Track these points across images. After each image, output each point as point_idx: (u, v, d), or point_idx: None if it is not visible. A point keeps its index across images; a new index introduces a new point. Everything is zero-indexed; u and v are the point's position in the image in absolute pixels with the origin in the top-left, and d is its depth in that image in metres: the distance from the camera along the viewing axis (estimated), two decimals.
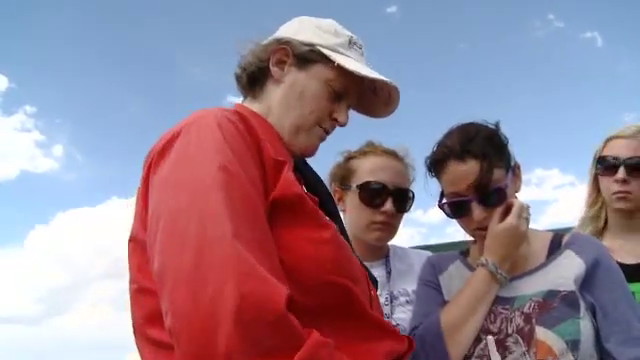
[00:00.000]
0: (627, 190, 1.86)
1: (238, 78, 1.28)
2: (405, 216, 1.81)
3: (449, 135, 1.44)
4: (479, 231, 1.40)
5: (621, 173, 1.86)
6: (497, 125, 1.44)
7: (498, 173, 1.36)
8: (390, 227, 1.76)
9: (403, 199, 1.76)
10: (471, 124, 1.45)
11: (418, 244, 4.17)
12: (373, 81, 1.24)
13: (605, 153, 1.95)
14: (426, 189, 1.51)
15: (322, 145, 1.25)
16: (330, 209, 1.20)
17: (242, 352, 0.71)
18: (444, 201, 1.46)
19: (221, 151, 0.88)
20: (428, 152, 1.47)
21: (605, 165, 1.93)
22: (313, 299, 0.92)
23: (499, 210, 1.37)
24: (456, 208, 1.42)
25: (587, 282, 1.31)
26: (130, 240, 1.02)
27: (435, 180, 1.48)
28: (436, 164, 1.44)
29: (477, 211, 1.36)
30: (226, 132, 0.92)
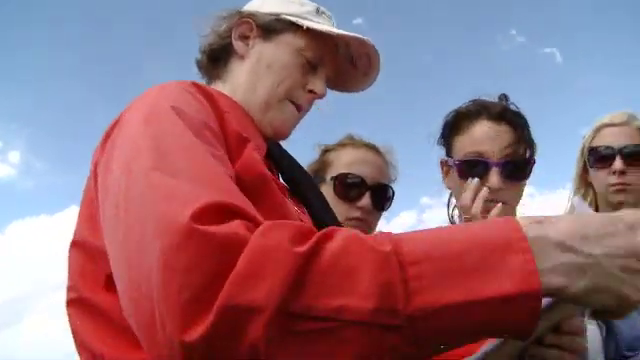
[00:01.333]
0: (625, 182, 1.71)
1: (198, 62, 1.15)
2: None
3: (485, 99, 1.34)
4: (486, 204, 1.24)
5: (618, 163, 1.70)
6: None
7: (527, 150, 1.29)
8: (366, 225, 1.60)
9: (382, 195, 1.61)
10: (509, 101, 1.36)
11: None
12: (349, 49, 1.12)
13: (596, 143, 1.79)
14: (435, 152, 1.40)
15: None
16: (314, 202, 1.07)
17: (177, 303, 0.52)
18: (460, 158, 1.32)
19: (179, 129, 0.73)
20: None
21: (598, 156, 1.77)
22: None
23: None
24: (471, 169, 1.28)
25: None
26: (72, 244, 0.86)
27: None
28: (463, 119, 1.32)
29: (496, 178, 1.24)
30: (180, 102, 0.78)
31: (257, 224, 0.57)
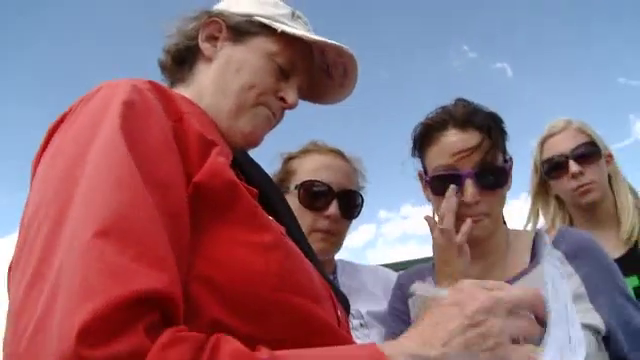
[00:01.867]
0: (586, 182, 1.73)
1: (161, 63, 1.05)
2: None
3: (449, 105, 1.25)
4: (465, 219, 1.17)
5: (573, 166, 1.73)
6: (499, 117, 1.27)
7: (499, 154, 1.19)
8: (335, 236, 1.49)
9: (351, 203, 1.50)
10: (471, 103, 1.26)
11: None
12: (325, 58, 1.04)
13: (547, 155, 1.82)
14: (413, 167, 1.32)
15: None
16: (282, 211, 0.97)
17: None
18: (431, 174, 1.23)
19: (114, 140, 0.65)
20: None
21: (552, 166, 1.80)
22: (260, 328, 0.66)
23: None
24: (444, 184, 1.19)
25: (587, 297, 1.11)
26: (10, 267, 0.75)
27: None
28: (429, 131, 1.23)
29: (470, 190, 1.15)
30: (129, 111, 0.69)
31: (174, 307, 0.55)
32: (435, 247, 1.22)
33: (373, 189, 1.29)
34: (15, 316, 0.55)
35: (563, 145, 1.77)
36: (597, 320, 1.06)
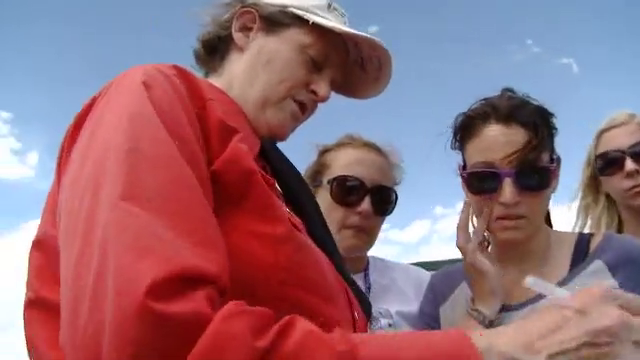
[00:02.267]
0: None
1: (196, 53, 1.05)
2: (381, 234, 1.52)
3: (494, 97, 1.17)
4: (500, 221, 1.12)
5: (630, 164, 1.60)
6: (549, 110, 1.18)
7: (544, 154, 1.10)
8: (366, 233, 1.46)
9: (384, 199, 1.46)
10: (518, 94, 1.18)
11: None
12: (360, 51, 1.01)
13: (602, 149, 1.69)
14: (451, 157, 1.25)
15: None
16: (308, 210, 0.95)
17: None
18: (468, 170, 1.17)
19: (146, 118, 0.66)
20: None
21: (606, 162, 1.67)
22: None
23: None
24: (482, 182, 1.13)
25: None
26: (33, 244, 0.79)
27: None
28: (470, 124, 1.16)
29: (508, 191, 1.08)
30: (153, 94, 0.69)
31: (223, 291, 0.56)
32: (469, 273, 1.19)
33: (429, 185, 1.25)
34: (71, 282, 0.56)
35: (621, 140, 1.64)
36: None
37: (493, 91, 1.20)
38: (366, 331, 0.91)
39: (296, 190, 0.96)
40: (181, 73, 0.77)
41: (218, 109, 0.75)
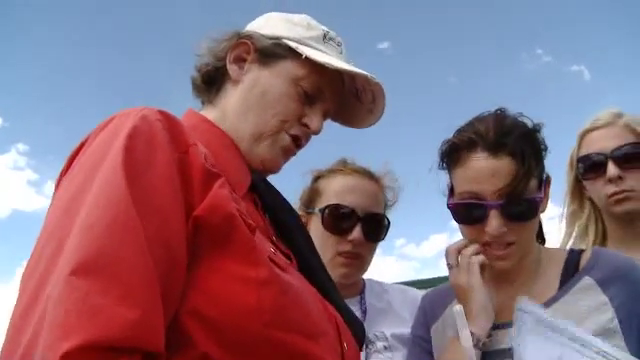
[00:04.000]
0: (625, 188, 1.49)
1: (193, 82, 1.07)
2: (397, 250, 1.55)
3: (480, 120, 1.15)
4: (489, 249, 1.13)
5: (612, 169, 1.49)
6: (538, 126, 1.17)
7: (531, 183, 1.09)
8: (358, 260, 1.49)
9: (375, 226, 1.50)
10: (507, 115, 1.16)
11: (411, 279, 3.91)
12: (355, 83, 1.03)
13: (584, 151, 1.58)
14: (438, 183, 1.26)
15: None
16: (299, 243, 0.97)
17: None
18: (454, 200, 1.17)
19: (115, 172, 0.67)
20: (417, 191, 1.25)
21: (589, 165, 1.56)
22: None
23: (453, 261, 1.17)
24: (469, 212, 1.14)
25: (620, 332, 1.02)
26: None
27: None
28: (456, 151, 1.15)
29: (495, 222, 1.09)
30: (133, 149, 0.70)
31: (154, 355, 0.58)
32: (457, 289, 1.18)
33: (444, 199, 1.25)
34: (8, 342, 0.60)
35: (604, 143, 1.52)
36: None
37: (507, 102, 1.19)
38: (357, 358, 0.93)
39: (286, 223, 0.98)
40: (166, 119, 0.77)
41: (200, 154, 0.77)
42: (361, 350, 1.00)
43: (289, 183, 1.57)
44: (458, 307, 0.88)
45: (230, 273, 0.70)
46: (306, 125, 0.99)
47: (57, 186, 0.77)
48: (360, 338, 0.98)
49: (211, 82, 1.04)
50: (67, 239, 0.62)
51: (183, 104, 1.07)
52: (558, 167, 1.67)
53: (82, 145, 0.77)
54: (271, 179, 1.06)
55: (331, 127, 1.12)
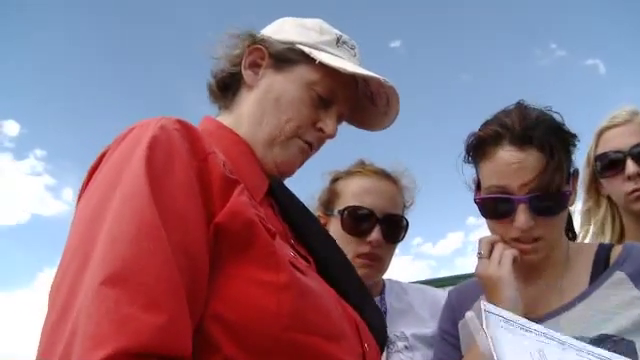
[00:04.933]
0: None
1: (209, 88, 1.08)
2: (414, 249, 1.56)
3: (506, 113, 1.14)
4: (517, 243, 1.12)
5: (631, 167, 1.50)
6: (562, 122, 1.15)
7: (559, 176, 1.07)
8: (378, 261, 1.49)
9: (394, 227, 1.50)
10: (533, 108, 1.14)
11: (428, 278, 3.90)
12: (369, 86, 1.04)
13: (602, 149, 1.58)
14: (463, 176, 1.24)
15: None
16: (318, 245, 0.98)
17: None
18: (482, 195, 1.16)
19: (137, 182, 0.68)
20: (434, 189, 1.24)
21: (607, 162, 1.56)
22: None
23: (485, 252, 1.13)
24: (496, 207, 1.13)
25: None
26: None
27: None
28: (482, 145, 1.14)
29: (523, 217, 1.08)
30: (154, 159, 0.71)
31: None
32: (479, 277, 1.17)
33: (460, 196, 1.24)
34: (42, 353, 0.62)
35: (622, 140, 1.54)
36: None
37: (521, 98, 1.17)
38: (378, 359, 0.93)
39: (304, 226, 0.99)
40: (184, 128, 0.78)
41: (218, 164, 0.78)
42: (383, 350, 1.01)
43: (307, 185, 1.60)
44: (470, 313, 0.89)
45: (251, 278, 0.72)
46: (321, 129, 1.00)
47: (79, 198, 0.78)
48: (382, 338, 0.98)
49: (227, 88, 1.05)
50: (93, 252, 0.63)
51: (198, 109, 1.09)
52: (575, 162, 1.67)
53: (102, 156, 0.79)
54: (290, 181, 1.07)
55: (345, 127, 1.13)
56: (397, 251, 1.57)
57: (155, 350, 0.58)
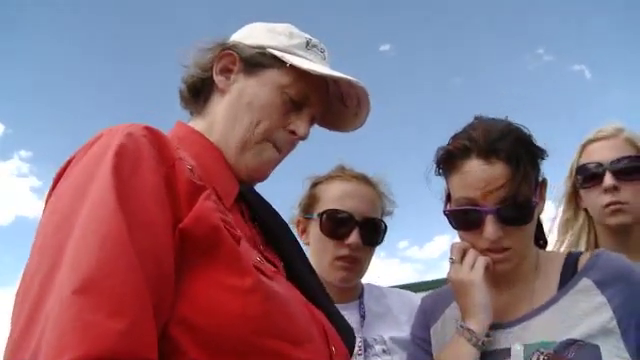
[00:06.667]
0: (620, 200, 1.52)
1: (181, 94, 1.08)
2: (400, 253, 1.57)
3: (473, 127, 1.17)
4: (487, 254, 1.14)
5: (609, 180, 1.52)
6: (529, 134, 1.18)
7: (526, 187, 1.10)
8: (356, 264, 1.50)
9: (372, 231, 1.52)
10: (500, 120, 1.18)
11: (414, 281, 3.93)
12: (339, 87, 1.05)
13: (584, 160, 1.61)
14: (430, 189, 1.26)
15: None
16: (287, 250, 0.99)
17: None
18: (450, 207, 1.19)
19: (105, 190, 0.68)
20: (420, 192, 1.25)
21: (586, 174, 1.58)
22: None
23: (457, 257, 1.16)
24: (465, 218, 1.16)
25: (619, 332, 1.03)
26: None
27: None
28: (450, 159, 1.17)
29: (491, 227, 1.10)
30: (122, 159, 0.72)
31: None
32: (451, 282, 1.20)
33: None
34: (10, 356, 0.62)
35: (604, 153, 1.56)
36: None
37: (510, 102, 1.22)
38: None
39: (274, 232, 1.00)
40: (152, 134, 0.78)
41: (185, 168, 0.79)
42: (352, 354, 1.02)
43: (293, 189, 1.61)
44: (519, 344, 0.92)
45: (216, 282, 0.72)
46: (293, 132, 1.01)
47: (46, 202, 0.78)
48: (350, 342, 0.99)
49: (198, 93, 1.05)
50: (61, 258, 0.64)
51: (185, 112, 1.09)
52: (561, 166, 1.70)
53: (69, 162, 0.79)
54: (271, 185, 1.08)
55: (337, 137, 1.14)
56: (383, 254, 1.58)
57: (118, 356, 0.58)
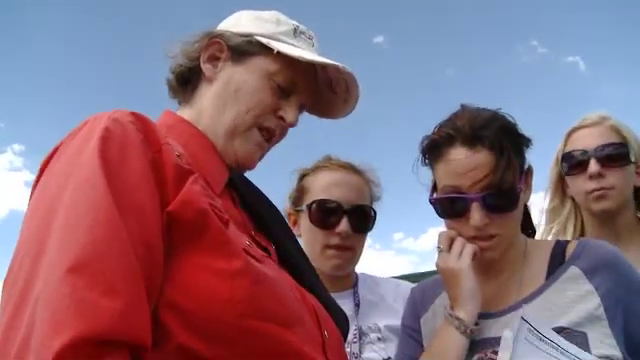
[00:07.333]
0: (604, 185, 1.54)
1: (169, 84, 1.08)
2: (395, 244, 1.56)
3: (457, 115, 1.17)
4: (474, 241, 1.14)
5: (593, 166, 1.54)
6: (514, 122, 1.19)
7: (510, 174, 1.10)
8: (348, 252, 1.50)
9: (361, 217, 1.51)
10: (485, 109, 1.18)
11: (410, 272, 3.93)
12: (327, 74, 1.05)
13: (569, 148, 1.63)
14: (418, 179, 1.26)
15: None
16: (278, 236, 0.99)
17: None
18: (436, 195, 1.19)
19: (92, 174, 0.69)
20: (414, 184, 1.24)
21: (572, 162, 1.61)
22: (225, 353, 0.70)
23: (445, 246, 1.17)
24: (451, 206, 1.16)
25: (606, 319, 1.03)
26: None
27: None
28: (435, 147, 1.17)
29: (477, 215, 1.10)
30: (107, 151, 0.71)
31: (141, 348, 0.61)
32: (439, 270, 1.20)
33: None
34: (1, 342, 0.61)
35: (588, 140, 1.58)
36: (614, 349, 1.00)
37: (504, 94, 1.22)
38: (339, 347, 0.94)
39: (265, 217, 1.00)
40: (138, 120, 0.79)
41: (172, 152, 0.79)
42: (345, 338, 1.02)
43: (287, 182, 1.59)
44: (508, 331, 0.91)
45: (204, 266, 0.72)
46: (282, 118, 1.00)
47: (33, 190, 0.78)
48: (343, 326, 0.99)
49: (186, 82, 1.05)
50: (48, 241, 0.64)
51: (176, 104, 1.08)
52: (542, 160, 1.69)
53: (55, 150, 0.79)
54: (272, 185, 1.10)
55: (332, 124, 1.14)
56: (379, 246, 1.58)
57: (115, 336, 0.58)
